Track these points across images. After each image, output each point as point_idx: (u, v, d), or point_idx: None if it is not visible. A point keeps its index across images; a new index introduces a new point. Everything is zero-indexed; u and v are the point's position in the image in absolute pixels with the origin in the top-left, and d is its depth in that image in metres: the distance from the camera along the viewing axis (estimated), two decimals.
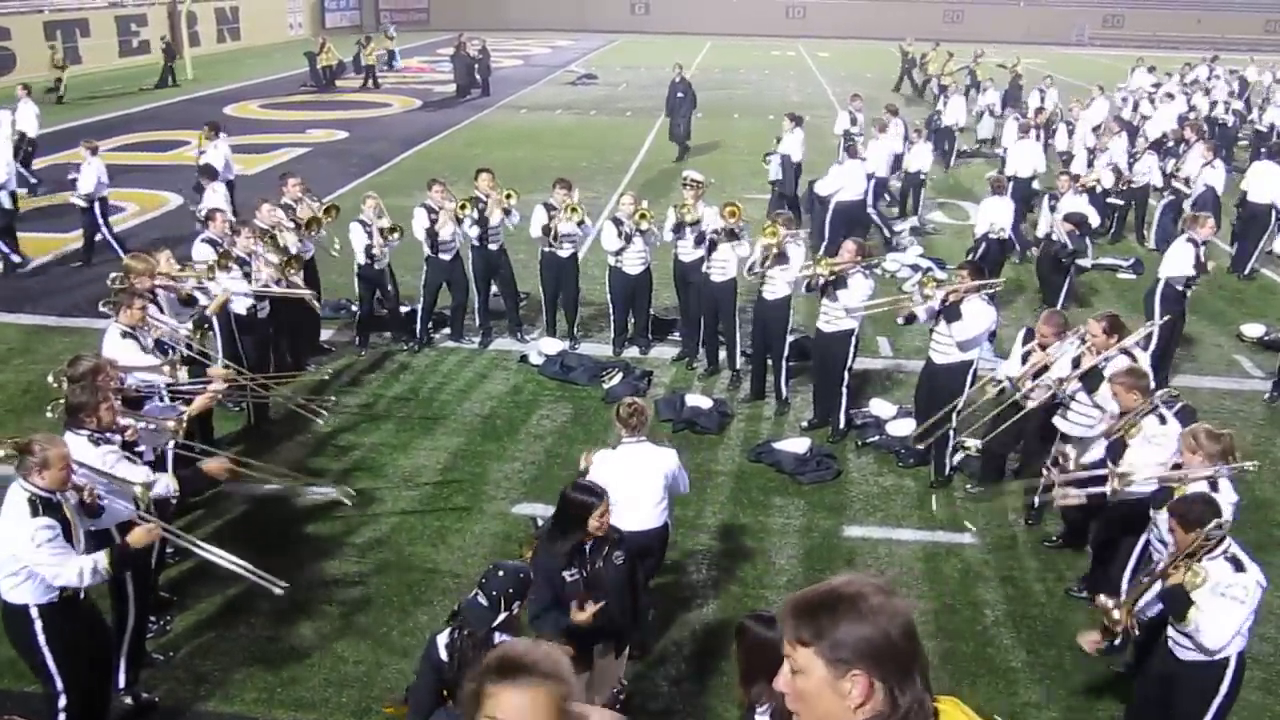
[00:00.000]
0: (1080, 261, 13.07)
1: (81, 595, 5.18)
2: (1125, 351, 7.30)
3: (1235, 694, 5.10)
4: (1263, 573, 4.88)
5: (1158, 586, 4.99)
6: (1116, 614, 5.01)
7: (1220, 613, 4.74)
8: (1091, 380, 7.27)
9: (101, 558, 4.93)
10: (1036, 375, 7.59)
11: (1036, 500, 7.72)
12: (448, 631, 4.28)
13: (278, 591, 5.74)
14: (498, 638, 4.19)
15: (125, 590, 5.79)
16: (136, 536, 5.07)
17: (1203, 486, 5.54)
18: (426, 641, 4.40)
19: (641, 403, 6.20)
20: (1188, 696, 5.08)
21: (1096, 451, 6.67)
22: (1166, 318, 9.63)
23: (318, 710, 5.96)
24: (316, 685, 6.16)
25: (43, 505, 4.85)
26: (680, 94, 21.61)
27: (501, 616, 4.18)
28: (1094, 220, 12.77)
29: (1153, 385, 6.66)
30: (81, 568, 4.85)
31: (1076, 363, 7.43)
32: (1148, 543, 6.07)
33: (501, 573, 4.24)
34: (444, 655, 4.20)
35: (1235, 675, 4.98)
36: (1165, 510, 5.19)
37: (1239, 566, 4.78)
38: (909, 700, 2.03)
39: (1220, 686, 4.98)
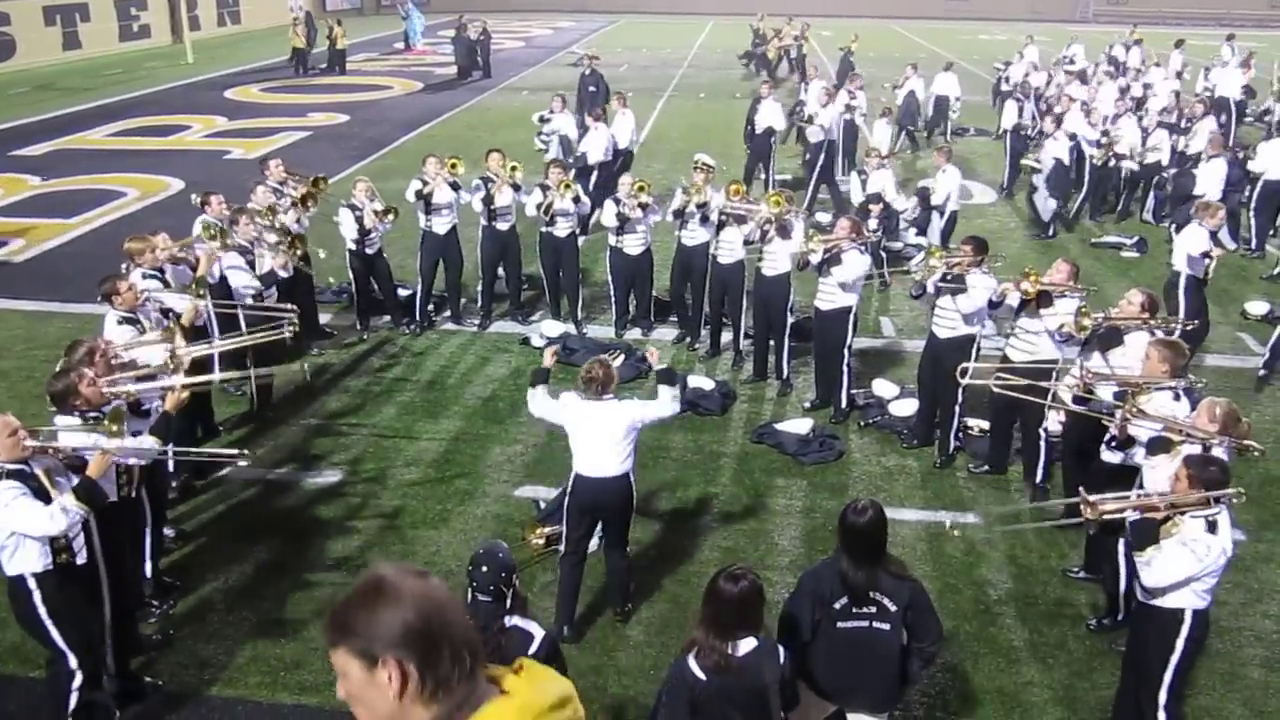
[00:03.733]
0: (890, 243, 13.23)
1: (77, 561, 5.19)
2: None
3: (1192, 653, 5.22)
4: (1233, 545, 4.98)
5: (1135, 515, 5.14)
6: (1089, 512, 5.17)
7: (1173, 558, 4.90)
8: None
9: (68, 497, 4.96)
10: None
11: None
12: None
13: (242, 463, 5.80)
14: (509, 620, 4.19)
15: (99, 575, 5.71)
16: (93, 466, 5.09)
17: (1197, 449, 5.59)
18: None
19: (599, 365, 6.23)
20: (1150, 647, 5.25)
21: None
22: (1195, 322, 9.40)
23: (321, 693, 5.96)
24: (320, 669, 6.16)
25: (7, 474, 4.89)
26: (592, 87, 19.67)
27: (508, 603, 4.18)
28: (898, 203, 12.80)
29: (1185, 367, 6.60)
30: (51, 512, 4.89)
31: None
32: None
33: (485, 568, 4.24)
34: None
35: (1191, 633, 5.10)
36: (1179, 461, 5.25)
37: (1212, 529, 4.91)
38: (453, 678, 1.99)
39: (1176, 642, 5.10)
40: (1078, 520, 5.41)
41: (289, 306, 8.10)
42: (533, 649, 4.16)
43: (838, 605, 4.56)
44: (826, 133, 16.20)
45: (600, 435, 6.18)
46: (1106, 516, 5.18)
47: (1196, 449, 5.59)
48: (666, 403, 6.34)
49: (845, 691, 4.74)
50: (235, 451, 5.91)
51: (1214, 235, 10.07)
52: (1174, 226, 13.47)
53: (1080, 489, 5.38)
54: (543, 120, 16.01)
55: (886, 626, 4.58)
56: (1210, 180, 13.74)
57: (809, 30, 29.21)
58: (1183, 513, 4.94)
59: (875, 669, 4.67)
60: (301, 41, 30.22)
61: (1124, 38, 27.48)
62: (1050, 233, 15.07)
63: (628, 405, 6.31)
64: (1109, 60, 24.92)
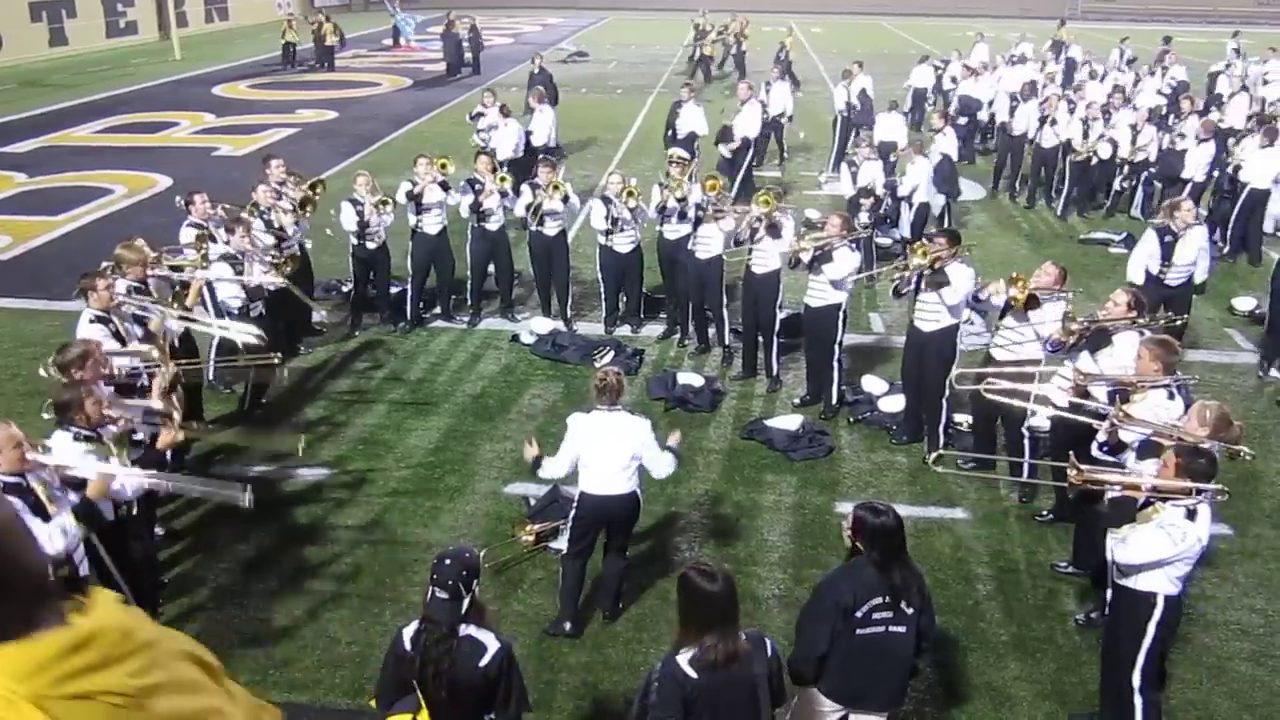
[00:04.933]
0: (880, 239, 13.27)
1: (82, 573, 5.15)
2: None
3: (1163, 639, 5.30)
4: (1210, 537, 5.07)
5: (1117, 491, 5.29)
6: (1074, 476, 5.31)
7: (1149, 538, 5.00)
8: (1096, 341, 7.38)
9: (67, 517, 4.93)
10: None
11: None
12: (414, 625, 4.24)
13: (244, 502, 5.37)
14: (464, 629, 4.18)
15: (118, 583, 5.74)
16: (92, 488, 5.07)
17: None
18: (394, 635, 4.34)
19: (613, 374, 6.26)
20: (1123, 629, 5.35)
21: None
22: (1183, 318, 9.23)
23: (311, 691, 5.97)
24: (310, 666, 6.18)
25: (4, 488, 4.83)
26: (541, 86, 18.35)
27: (465, 605, 4.16)
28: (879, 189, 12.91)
29: (1176, 365, 6.61)
30: (50, 531, 4.85)
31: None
32: None
33: (449, 561, 4.20)
34: (408, 646, 4.18)
35: (1164, 618, 5.19)
36: (1169, 452, 5.27)
37: (1191, 517, 4.99)
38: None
39: (1148, 625, 5.19)
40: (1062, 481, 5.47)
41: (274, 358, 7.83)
42: (484, 660, 4.15)
43: (859, 613, 4.53)
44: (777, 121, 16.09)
45: (611, 449, 6.17)
46: (1089, 485, 5.32)
47: None
48: (668, 464, 6.34)
49: (858, 695, 4.72)
50: (236, 489, 5.50)
51: (1170, 243, 9.90)
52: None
53: (1070, 453, 5.47)
54: (474, 118, 15.73)
55: (902, 629, 4.58)
56: (1198, 163, 13.86)
57: (748, 27, 29.27)
58: (1164, 499, 5.02)
59: (888, 671, 4.66)
60: (295, 36, 30.21)
61: (1059, 34, 26.84)
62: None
63: (641, 424, 6.27)
64: (1065, 60, 24.62)
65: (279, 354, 7.76)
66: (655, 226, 10.87)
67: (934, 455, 6.72)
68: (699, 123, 16.27)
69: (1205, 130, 14.39)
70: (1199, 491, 4.97)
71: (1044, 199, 16.66)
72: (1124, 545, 5.07)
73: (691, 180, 10.56)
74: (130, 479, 5.52)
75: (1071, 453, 5.48)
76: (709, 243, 10.08)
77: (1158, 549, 4.98)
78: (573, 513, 6.43)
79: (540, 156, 11.28)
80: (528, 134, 15.41)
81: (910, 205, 13.47)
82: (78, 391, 5.56)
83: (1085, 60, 23.31)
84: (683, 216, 10.40)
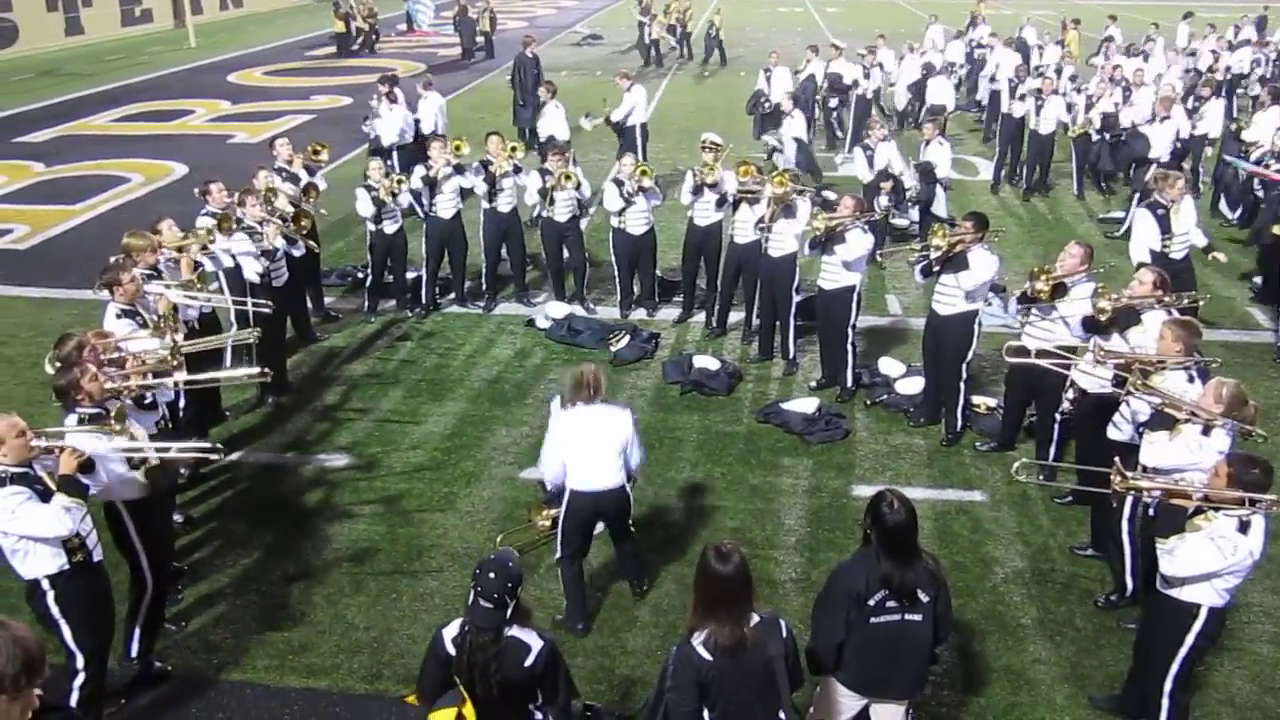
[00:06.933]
0: (896, 219, 13.35)
1: (94, 560, 5.20)
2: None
3: (1202, 648, 5.15)
4: (1264, 546, 4.80)
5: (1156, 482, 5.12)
6: (1117, 479, 5.08)
7: (1199, 550, 4.77)
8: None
9: (61, 497, 4.94)
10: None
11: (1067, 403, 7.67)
12: (456, 625, 4.18)
13: (215, 458, 5.67)
14: (508, 630, 4.15)
15: (139, 559, 5.84)
16: (62, 464, 5.05)
17: (1198, 427, 5.55)
18: (432, 636, 4.29)
19: (589, 371, 6.18)
20: (1160, 636, 5.18)
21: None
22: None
23: (329, 676, 5.99)
24: (328, 651, 6.20)
25: (12, 479, 4.87)
26: (534, 71, 18.62)
27: (510, 612, 4.14)
28: (907, 178, 12.84)
29: (1197, 347, 6.52)
30: (56, 513, 4.89)
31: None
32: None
33: (493, 574, 4.12)
34: (451, 650, 4.14)
35: (1205, 629, 5.01)
36: (1221, 461, 5.08)
37: (1244, 529, 4.76)
38: None
39: (1187, 636, 5.02)
40: (1095, 490, 5.33)
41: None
42: (529, 660, 4.12)
43: (872, 601, 4.49)
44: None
45: (598, 442, 6.10)
46: (1141, 494, 5.16)
47: (1198, 428, 5.55)
48: (638, 456, 6.37)
49: (876, 683, 4.69)
50: (209, 445, 5.82)
51: (1164, 215, 9.76)
52: (1135, 196, 13.48)
53: (1116, 459, 5.25)
54: (366, 119, 15.34)
55: (918, 617, 4.53)
56: (1162, 142, 13.71)
57: (690, 8, 29.18)
58: (1216, 508, 4.81)
59: (907, 659, 4.62)
60: (344, 26, 30.50)
61: (1024, 21, 24.89)
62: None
63: (627, 416, 6.22)
64: (1019, 44, 24.06)
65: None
66: (687, 211, 10.76)
67: (1015, 466, 6.60)
68: (559, 126, 14.80)
69: (1164, 107, 14.16)
70: (1253, 502, 4.74)
71: (1041, 186, 16.48)
72: (1171, 557, 4.84)
73: (725, 166, 10.46)
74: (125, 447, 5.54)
75: (1117, 459, 5.24)
76: (747, 226, 10.02)
77: (1206, 561, 4.74)
78: (563, 514, 6.34)
79: (550, 145, 11.22)
80: (416, 121, 15.27)
81: (945, 187, 13.40)
82: (73, 373, 5.58)
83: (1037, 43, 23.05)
84: (721, 204, 10.35)
